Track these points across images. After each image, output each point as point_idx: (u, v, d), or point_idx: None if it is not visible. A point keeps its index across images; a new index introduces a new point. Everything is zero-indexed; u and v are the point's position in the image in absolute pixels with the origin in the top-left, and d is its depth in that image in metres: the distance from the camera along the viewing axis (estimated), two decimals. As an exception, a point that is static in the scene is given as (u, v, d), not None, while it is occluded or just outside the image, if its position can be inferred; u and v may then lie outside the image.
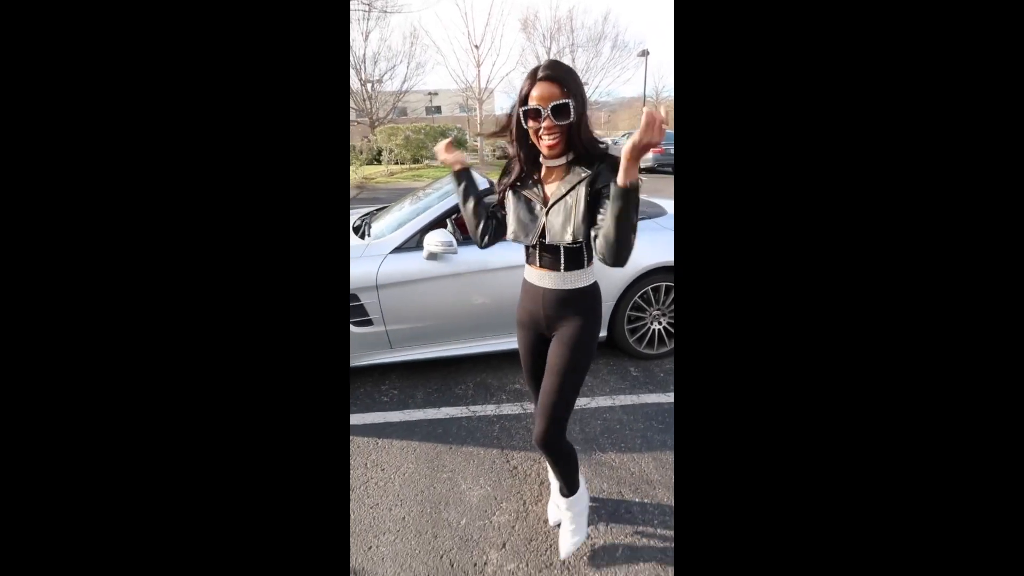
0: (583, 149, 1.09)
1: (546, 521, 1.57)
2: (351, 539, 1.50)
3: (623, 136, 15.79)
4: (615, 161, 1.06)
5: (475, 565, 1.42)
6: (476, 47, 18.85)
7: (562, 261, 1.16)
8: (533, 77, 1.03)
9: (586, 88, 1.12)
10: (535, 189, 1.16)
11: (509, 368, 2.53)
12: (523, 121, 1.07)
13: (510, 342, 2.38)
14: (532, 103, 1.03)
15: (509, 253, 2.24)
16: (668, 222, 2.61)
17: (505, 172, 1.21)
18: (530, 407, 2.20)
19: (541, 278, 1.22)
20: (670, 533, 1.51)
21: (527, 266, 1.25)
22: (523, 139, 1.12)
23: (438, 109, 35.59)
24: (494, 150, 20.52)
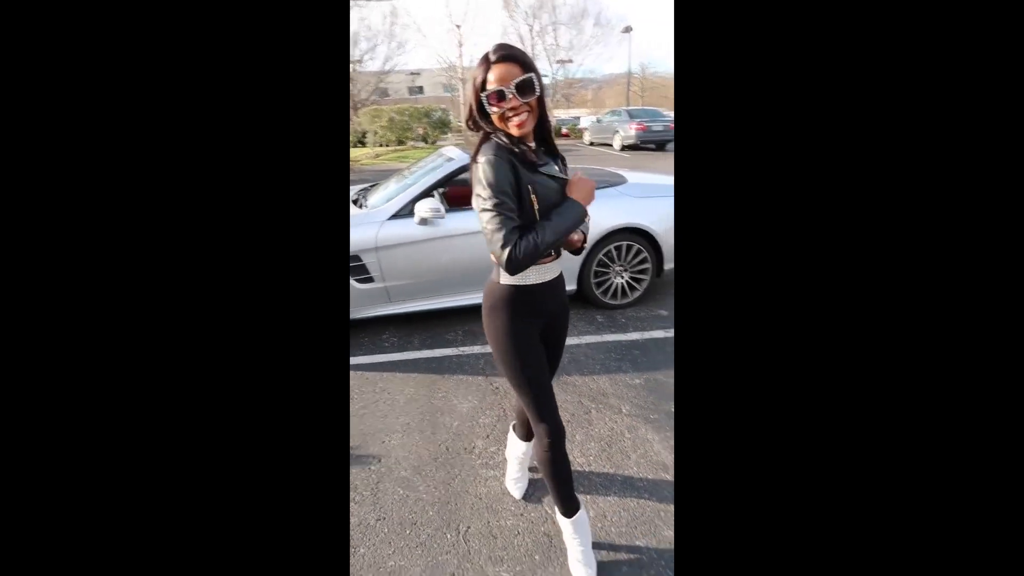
0: (548, 137, 1.10)
1: (520, 421, 2.01)
2: (367, 439, 1.92)
3: (607, 114, 16.00)
4: (564, 160, 1.17)
5: (466, 449, 1.85)
6: (458, 26, 18.77)
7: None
8: (486, 62, 1.00)
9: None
10: (546, 167, 1.08)
11: (492, 318, 2.95)
12: (485, 107, 1.02)
13: None
14: (493, 86, 0.99)
15: None
16: (627, 190, 3.01)
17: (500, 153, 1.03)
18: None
19: (546, 271, 1.16)
20: (620, 430, 1.96)
21: (533, 266, 1.12)
22: (489, 125, 1.05)
23: (420, 89, 35.14)
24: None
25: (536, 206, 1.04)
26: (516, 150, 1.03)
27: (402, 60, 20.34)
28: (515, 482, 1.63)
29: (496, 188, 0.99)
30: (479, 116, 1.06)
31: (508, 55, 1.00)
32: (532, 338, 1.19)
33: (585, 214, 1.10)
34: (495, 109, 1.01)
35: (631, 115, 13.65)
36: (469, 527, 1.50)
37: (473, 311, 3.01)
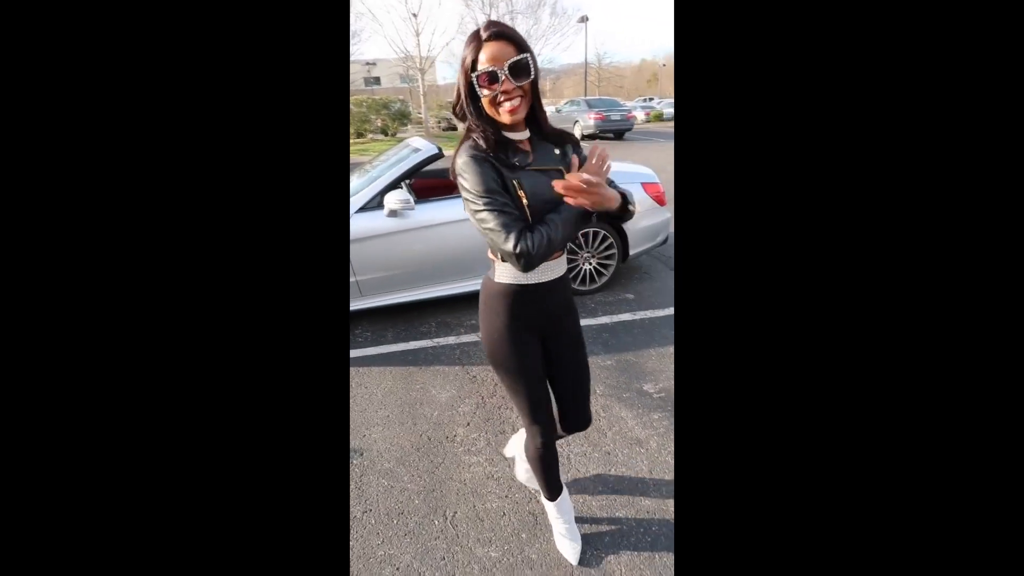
0: (544, 124, 1.02)
1: (499, 406, 2.04)
2: (348, 434, 1.91)
3: (566, 104, 16.12)
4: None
5: (447, 438, 1.88)
6: (414, 15, 18.35)
7: None
8: (477, 39, 0.92)
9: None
10: (537, 159, 1.01)
11: (465, 308, 2.96)
12: (476, 89, 0.94)
13: (464, 286, 2.80)
14: (484, 66, 0.91)
15: (457, 209, 2.64)
16: (593, 178, 3.08)
17: (480, 151, 0.97)
18: (484, 335, 2.65)
19: (547, 270, 1.08)
20: (595, 409, 2.03)
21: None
22: (478, 113, 0.97)
23: (377, 80, 34.22)
24: (439, 121, 20.29)
25: (525, 201, 0.95)
26: (495, 152, 0.96)
27: (357, 50, 19.72)
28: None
29: (483, 187, 0.93)
30: (468, 101, 0.96)
31: (501, 33, 0.92)
32: (527, 341, 1.12)
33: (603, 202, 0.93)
34: (486, 92, 0.93)
35: (590, 105, 13.85)
36: (456, 512, 1.53)
37: (445, 302, 3.01)
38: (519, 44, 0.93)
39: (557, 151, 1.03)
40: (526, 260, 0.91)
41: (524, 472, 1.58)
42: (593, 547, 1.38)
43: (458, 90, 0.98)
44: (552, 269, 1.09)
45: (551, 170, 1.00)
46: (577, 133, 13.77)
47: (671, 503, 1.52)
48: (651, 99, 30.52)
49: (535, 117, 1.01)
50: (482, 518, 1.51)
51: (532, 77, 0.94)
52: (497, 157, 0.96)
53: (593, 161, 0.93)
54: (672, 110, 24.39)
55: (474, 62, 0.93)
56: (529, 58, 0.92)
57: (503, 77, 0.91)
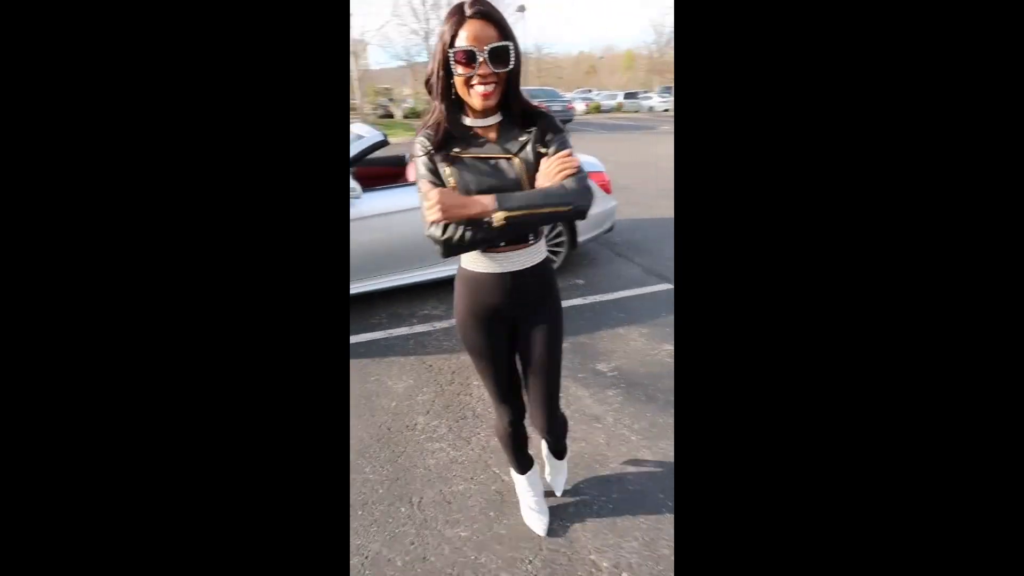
0: (519, 109, 0.98)
1: (458, 393, 2.05)
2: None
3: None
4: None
5: (407, 427, 1.86)
6: (345, -4, 17.45)
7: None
8: (460, 14, 0.87)
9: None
10: (485, 146, 0.97)
11: (417, 298, 2.92)
12: (451, 66, 0.90)
13: (414, 276, 2.76)
14: (464, 43, 0.87)
15: (406, 197, 2.59)
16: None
17: (429, 139, 0.97)
18: (440, 324, 2.64)
19: (505, 261, 1.04)
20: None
21: (478, 255, 1.04)
22: (447, 91, 0.94)
23: (307, 64, 32.21)
24: (375, 108, 19.56)
25: (456, 189, 0.95)
26: (442, 145, 0.96)
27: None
28: (535, 512, 1.42)
29: (423, 177, 0.97)
30: (439, 76, 0.92)
31: (485, 12, 0.88)
32: (492, 327, 1.12)
33: (546, 203, 0.93)
34: (461, 71, 0.89)
35: (531, 95, 13.93)
36: (422, 498, 1.53)
37: (395, 293, 2.95)
38: (503, 29, 0.89)
39: (523, 137, 0.98)
40: (442, 247, 0.95)
41: (526, 511, 1.45)
42: (559, 518, 1.44)
43: (430, 66, 0.94)
44: (516, 260, 1.05)
45: (498, 158, 0.97)
46: (519, 123, 13.86)
47: (630, 469, 1.61)
48: (589, 91, 31.15)
49: (508, 104, 0.97)
50: (449, 501, 1.52)
51: (511, 67, 0.90)
52: (438, 149, 0.96)
53: (550, 167, 0.95)
54: (611, 102, 25.10)
55: (453, 37, 0.88)
56: (511, 46, 0.89)
57: (481, 60, 0.87)
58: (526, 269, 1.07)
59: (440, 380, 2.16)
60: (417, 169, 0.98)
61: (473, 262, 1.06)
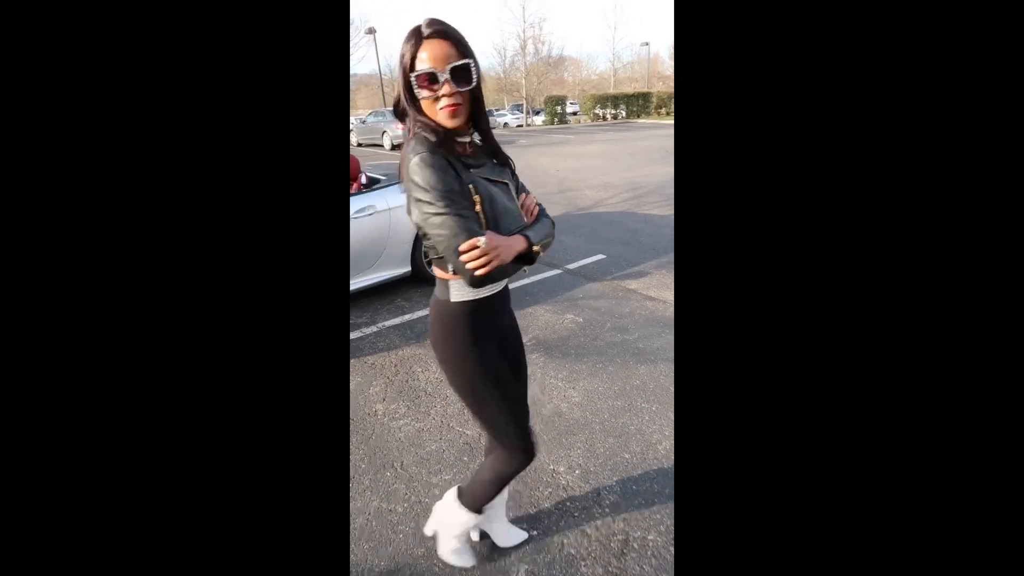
0: (489, 136, 0.99)
1: (406, 380, 2.31)
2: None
3: (370, 114, 16.00)
4: (514, 168, 1.05)
5: (369, 414, 2.07)
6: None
7: None
8: (417, 36, 0.87)
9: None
10: (485, 167, 0.98)
11: (352, 305, 3.05)
12: (414, 91, 0.89)
13: (365, 280, 2.92)
14: (425, 66, 0.86)
15: (360, 200, 2.78)
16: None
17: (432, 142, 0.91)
18: (369, 329, 2.82)
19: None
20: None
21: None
22: (420, 111, 0.92)
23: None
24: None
25: (479, 208, 0.90)
26: (449, 145, 0.91)
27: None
28: (455, 553, 1.31)
29: (443, 187, 0.86)
30: (407, 101, 0.92)
31: (443, 31, 0.87)
32: (496, 361, 1.06)
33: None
34: (426, 93, 0.88)
35: (389, 117, 14.11)
36: (403, 461, 1.78)
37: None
38: (462, 47, 0.88)
39: (506, 171, 1.03)
40: (476, 280, 0.87)
41: (451, 552, 1.32)
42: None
43: (397, 91, 0.95)
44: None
45: (498, 182, 0.98)
46: (387, 144, 13.92)
47: (563, 405, 2.04)
48: (447, 110, 31.80)
49: (477, 124, 0.98)
50: (427, 459, 1.79)
51: (473, 84, 0.90)
52: (453, 155, 0.91)
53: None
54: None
55: (413, 59, 0.88)
56: (472, 64, 0.88)
57: (443, 80, 0.87)
58: (505, 287, 1.09)
59: (386, 373, 2.38)
60: (426, 178, 0.87)
61: (471, 291, 0.98)
